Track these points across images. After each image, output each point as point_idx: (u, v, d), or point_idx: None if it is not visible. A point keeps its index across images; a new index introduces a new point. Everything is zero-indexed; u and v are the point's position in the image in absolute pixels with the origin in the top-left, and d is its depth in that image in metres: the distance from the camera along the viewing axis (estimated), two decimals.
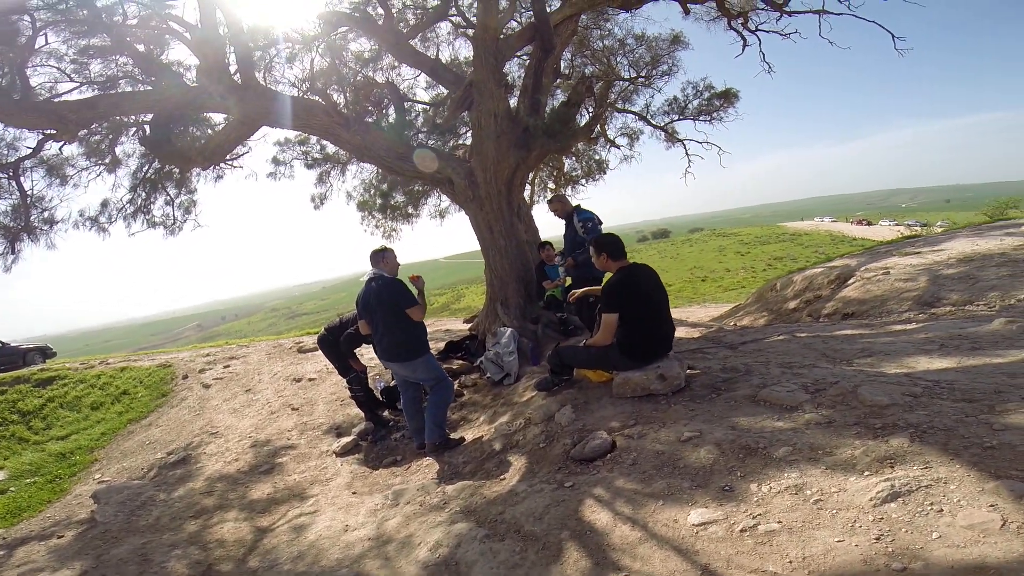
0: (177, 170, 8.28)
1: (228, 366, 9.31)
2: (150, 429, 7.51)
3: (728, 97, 9.02)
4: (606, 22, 8.67)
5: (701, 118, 9.31)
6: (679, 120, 9.56)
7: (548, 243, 6.62)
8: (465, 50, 9.20)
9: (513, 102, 7.02)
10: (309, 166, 9.51)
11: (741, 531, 2.11)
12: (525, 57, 8.65)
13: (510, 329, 6.14)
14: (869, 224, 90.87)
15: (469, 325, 7.64)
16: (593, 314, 5.54)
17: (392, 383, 6.48)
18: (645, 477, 2.73)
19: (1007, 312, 4.82)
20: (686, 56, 8.85)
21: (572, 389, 4.27)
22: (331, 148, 9.57)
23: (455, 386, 5.87)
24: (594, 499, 2.67)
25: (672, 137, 9.83)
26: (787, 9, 7.88)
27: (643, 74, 8.67)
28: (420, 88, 9.72)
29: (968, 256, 6.47)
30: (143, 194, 8.34)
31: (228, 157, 8.35)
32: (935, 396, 2.85)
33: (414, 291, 4.59)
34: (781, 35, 8.45)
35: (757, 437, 2.74)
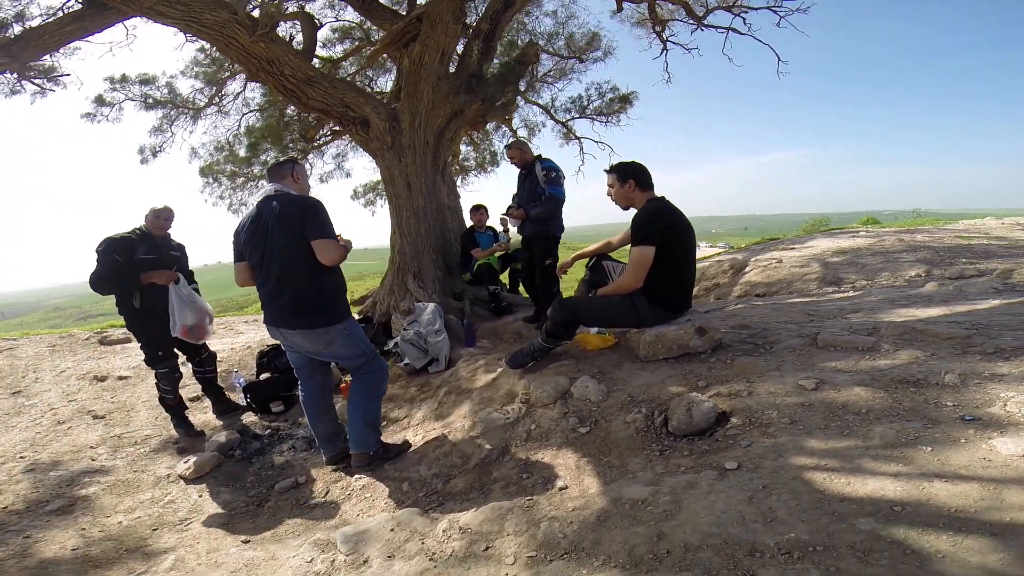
0: None
1: None
2: None
3: (626, 100, 8.76)
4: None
5: (599, 118, 8.91)
6: (578, 118, 9.06)
7: (483, 206, 5.33)
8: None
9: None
10: (149, 107, 6.82)
11: None
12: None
13: (432, 304, 4.70)
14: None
15: (359, 308, 5.92)
16: (552, 288, 4.44)
17: (261, 377, 4.53)
18: (837, 431, 1.88)
19: (918, 282, 4.92)
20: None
21: (563, 362, 3.11)
22: (185, 89, 7.03)
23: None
24: (824, 471, 1.66)
25: (570, 134, 9.28)
26: (705, 23, 7.83)
27: (580, 56, 7.91)
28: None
29: (840, 249, 6.74)
30: None
31: (49, 69, 5.51)
32: (989, 328, 2.61)
33: None
34: (685, 48, 8.46)
35: (896, 372, 2.22)
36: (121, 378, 5.39)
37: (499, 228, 5.24)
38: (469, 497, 2.29)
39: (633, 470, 2.06)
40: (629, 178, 2.93)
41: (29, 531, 2.52)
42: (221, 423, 4.08)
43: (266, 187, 2.83)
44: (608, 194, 3.09)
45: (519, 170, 4.44)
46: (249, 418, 4.12)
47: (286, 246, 2.64)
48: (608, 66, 8.34)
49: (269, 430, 3.82)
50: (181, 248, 3.94)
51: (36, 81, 5.34)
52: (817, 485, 1.59)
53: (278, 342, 5.10)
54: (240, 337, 6.60)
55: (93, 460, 3.54)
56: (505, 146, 4.51)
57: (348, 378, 4.26)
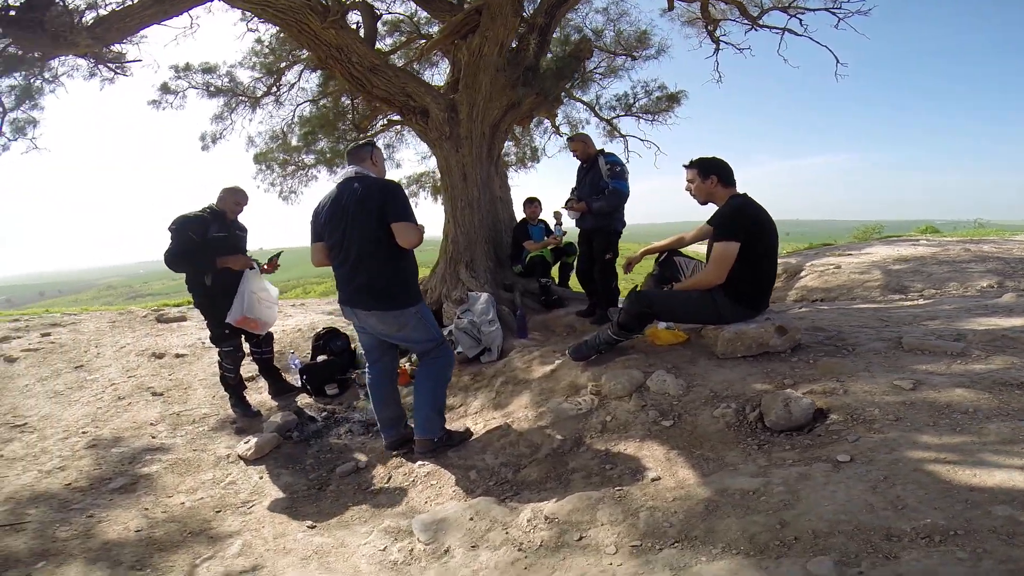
0: (27, 71, 5.40)
1: (48, 335, 6.22)
2: None
3: (674, 99, 8.42)
4: None
5: (645, 116, 8.61)
6: (623, 116, 8.77)
7: (536, 199, 5.17)
8: None
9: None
10: (212, 95, 6.88)
11: None
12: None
13: (485, 294, 4.54)
14: None
15: None
16: (611, 283, 4.26)
17: (317, 359, 4.44)
18: (948, 428, 1.77)
19: (992, 293, 4.56)
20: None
21: (631, 356, 2.99)
22: (245, 78, 7.05)
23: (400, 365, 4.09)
24: (944, 463, 1.56)
25: (615, 132, 8.99)
26: (760, 23, 7.45)
27: (631, 54, 7.61)
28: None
29: (901, 257, 6.35)
30: None
31: (118, 56, 5.64)
32: None
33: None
34: (737, 48, 8.09)
35: (995, 375, 2.10)
36: (178, 356, 5.42)
37: (552, 222, 5.07)
38: (546, 487, 2.14)
39: (732, 463, 1.92)
40: (712, 174, 2.83)
41: (92, 510, 2.44)
42: (276, 404, 4.01)
43: (346, 169, 2.75)
44: (687, 189, 2.98)
45: (580, 163, 4.27)
46: (303, 400, 4.04)
47: (365, 228, 2.56)
48: (657, 64, 8.03)
49: (325, 412, 3.71)
50: (245, 230, 3.88)
51: (110, 65, 5.39)
52: (941, 476, 1.51)
53: (332, 326, 5.04)
54: (289, 320, 6.58)
55: (153, 438, 3.50)
56: (568, 138, 4.31)
57: (405, 364, 4.16)
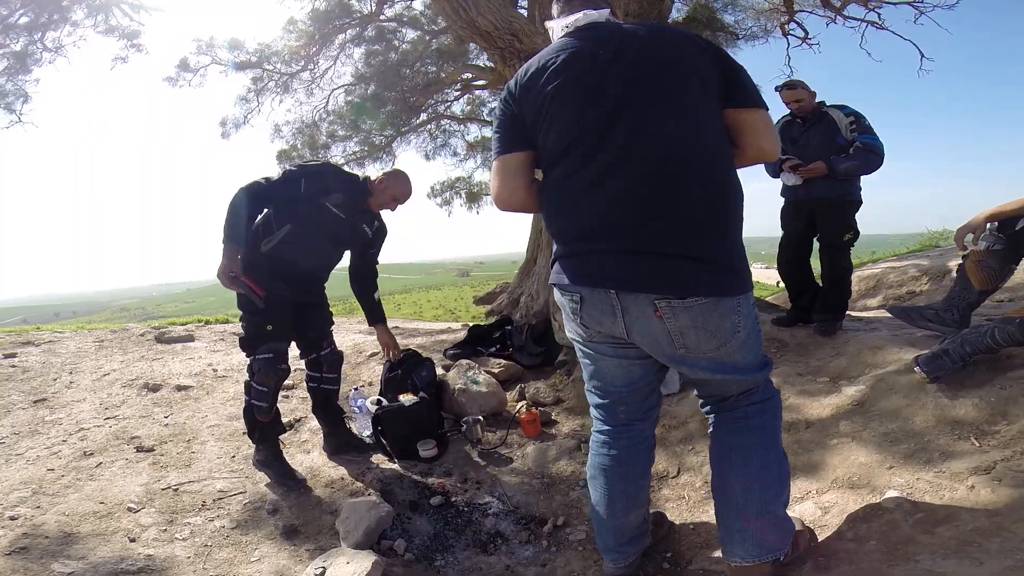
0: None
1: (13, 355, 4.30)
2: None
3: None
4: None
5: None
6: None
7: None
8: None
9: None
10: (240, 68, 5.34)
11: None
12: None
13: None
14: None
15: (488, 307, 4.10)
16: (847, 276, 2.70)
17: (400, 399, 2.46)
18: None
19: None
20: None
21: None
22: (277, 44, 5.47)
23: (519, 403, 2.42)
24: None
25: None
26: (844, 14, 6.36)
27: (737, 33, 6.32)
28: None
29: None
30: None
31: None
32: None
33: None
34: (808, 43, 6.92)
35: None
36: (180, 388, 3.57)
37: None
38: None
39: None
40: None
41: None
42: (345, 473, 2.24)
43: (577, 15, 1.14)
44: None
45: (791, 119, 2.69)
46: (384, 465, 2.30)
47: (683, 110, 1.01)
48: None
49: (436, 496, 1.96)
50: (383, 232, 2.40)
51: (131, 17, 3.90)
52: None
53: (407, 348, 3.16)
54: None
55: (131, 540, 1.74)
56: (784, 86, 2.66)
57: (522, 408, 2.50)
